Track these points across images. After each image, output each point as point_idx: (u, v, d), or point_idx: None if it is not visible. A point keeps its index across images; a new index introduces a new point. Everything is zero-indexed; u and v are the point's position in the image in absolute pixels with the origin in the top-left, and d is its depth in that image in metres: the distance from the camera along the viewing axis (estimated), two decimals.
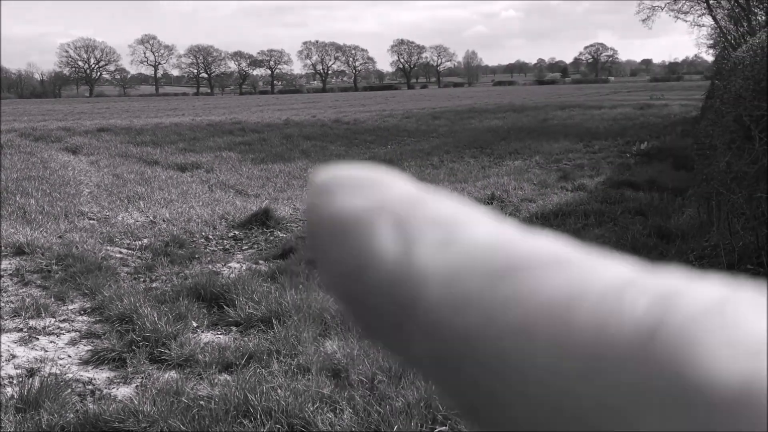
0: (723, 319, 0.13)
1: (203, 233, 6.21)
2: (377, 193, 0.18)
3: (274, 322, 3.70)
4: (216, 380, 3.13)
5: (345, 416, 2.67)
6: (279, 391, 2.85)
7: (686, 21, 27.25)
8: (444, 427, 2.59)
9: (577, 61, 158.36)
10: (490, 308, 0.15)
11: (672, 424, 0.13)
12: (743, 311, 0.13)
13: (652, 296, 0.14)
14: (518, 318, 0.15)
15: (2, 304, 4.19)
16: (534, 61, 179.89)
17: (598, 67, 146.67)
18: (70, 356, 3.51)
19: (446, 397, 0.16)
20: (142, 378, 3.19)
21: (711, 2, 22.05)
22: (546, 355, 0.14)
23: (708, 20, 24.68)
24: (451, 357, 0.15)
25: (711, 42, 28.95)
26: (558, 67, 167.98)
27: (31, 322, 3.90)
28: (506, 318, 0.15)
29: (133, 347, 3.47)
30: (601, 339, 0.14)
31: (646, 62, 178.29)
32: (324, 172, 0.19)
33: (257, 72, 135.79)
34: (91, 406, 2.88)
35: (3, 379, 3.20)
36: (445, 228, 0.17)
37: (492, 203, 7.47)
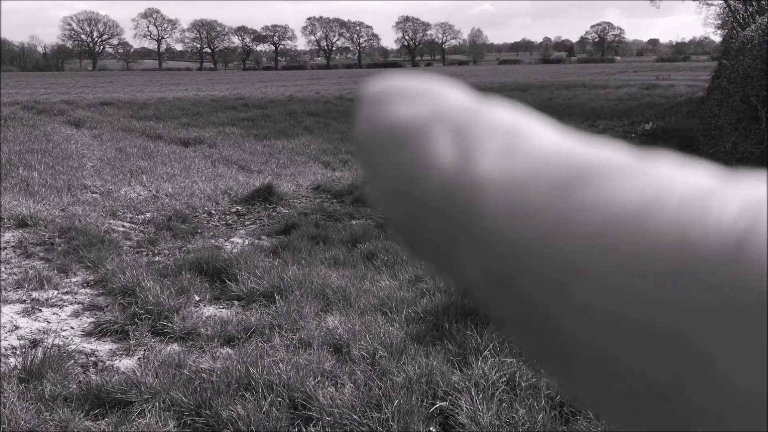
0: None
1: (206, 208, 6.21)
2: (434, 103, 0.17)
3: (276, 296, 3.71)
4: (218, 353, 3.14)
5: (346, 391, 2.69)
6: (280, 365, 2.86)
7: (695, 0, 26.97)
8: (444, 403, 2.60)
9: (583, 41, 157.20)
10: (556, 217, 0.14)
11: (758, 339, 0.12)
12: None
13: (739, 204, 0.13)
14: (588, 226, 0.14)
15: (5, 276, 4.20)
16: (540, 40, 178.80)
17: (604, 46, 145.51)
18: (72, 328, 3.53)
19: (504, 321, 0.15)
20: (145, 350, 3.21)
21: None
22: (619, 264, 0.13)
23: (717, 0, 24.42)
24: (510, 270, 0.14)
25: (719, 22, 28.70)
26: (564, 46, 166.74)
27: (34, 294, 3.92)
28: (574, 226, 0.14)
29: (136, 320, 3.48)
30: (683, 246, 0.13)
31: (653, 42, 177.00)
32: (377, 82, 0.18)
33: (261, 47, 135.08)
34: (93, 377, 2.90)
35: (6, 350, 3.22)
36: (506, 137, 0.16)
37: None
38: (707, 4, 26.82)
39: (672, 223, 0.13)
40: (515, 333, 0.15)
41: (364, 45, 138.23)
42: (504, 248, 0.14)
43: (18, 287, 4.01)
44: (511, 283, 0.14)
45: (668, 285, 0.13)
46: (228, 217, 6.02)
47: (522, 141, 0.16)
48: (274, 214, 6.10)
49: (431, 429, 2.50)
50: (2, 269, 4.33)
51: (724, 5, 22.37)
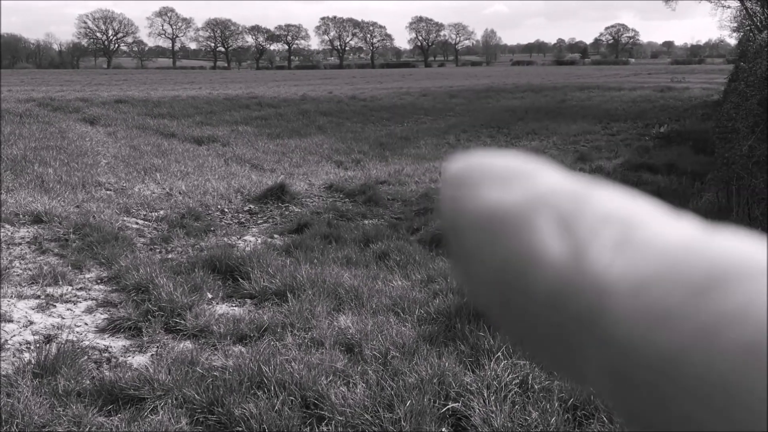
0: None
1: (219, 206, 6.23)
2: (530, 185, 0.15)
3: (288, 295, 3.71)
4: (230, 351, 3.15)
5: (358, 390, 2.69)
6: (293, 364, 2.86)
7: (711, 2, 26.81)
8: (456, 404, 2.59)
9: (597, 42, 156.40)
10: (699, 327, 0.13)
11: None
12: None
13: None
14: (740, 339, 0.12)
15: (20, 271, 4.23)
16: (553, 41, 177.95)
17: (618, 48, 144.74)
18: (86, 324, 3.55)
19: (629, 421, 0.14)
20: (158, 347, 3.22)
21: None
22: None
23: (734, 2, 24.26)
24: (644, 378, 0.13)
25: (735, 25, 28.49)
26: (578, 47, 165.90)
27: (49, 290, 3.94)
28: (723, 340, 0.12)
29: (149, 317, 3.50)
30: None
31: (668, 44, 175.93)
32: (461, 160, 0.17)
33: (274, 47, 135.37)
34: (107, 373, 2.91)
35: (21, 345, 3.24)
36: (618, 226, 0.14)
37: None
38: (723, 6, 26.65)
39: None
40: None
41: (377, 45, 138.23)
42: (638, 357, 0.13)
43: (33, 282, 4.04)
44: (645, 390, 0.13)
45: None
46: (241, 215, 6.04)
47: (636, 231, 0.14)
48: (286, 212, 6.11)
49: (443, 430, 2.50)
50: (17, 264, 4.36)
51: (741, 7, 22.20)
